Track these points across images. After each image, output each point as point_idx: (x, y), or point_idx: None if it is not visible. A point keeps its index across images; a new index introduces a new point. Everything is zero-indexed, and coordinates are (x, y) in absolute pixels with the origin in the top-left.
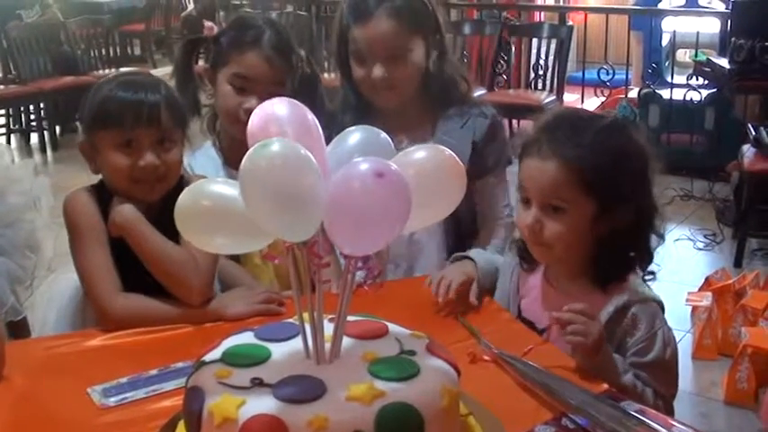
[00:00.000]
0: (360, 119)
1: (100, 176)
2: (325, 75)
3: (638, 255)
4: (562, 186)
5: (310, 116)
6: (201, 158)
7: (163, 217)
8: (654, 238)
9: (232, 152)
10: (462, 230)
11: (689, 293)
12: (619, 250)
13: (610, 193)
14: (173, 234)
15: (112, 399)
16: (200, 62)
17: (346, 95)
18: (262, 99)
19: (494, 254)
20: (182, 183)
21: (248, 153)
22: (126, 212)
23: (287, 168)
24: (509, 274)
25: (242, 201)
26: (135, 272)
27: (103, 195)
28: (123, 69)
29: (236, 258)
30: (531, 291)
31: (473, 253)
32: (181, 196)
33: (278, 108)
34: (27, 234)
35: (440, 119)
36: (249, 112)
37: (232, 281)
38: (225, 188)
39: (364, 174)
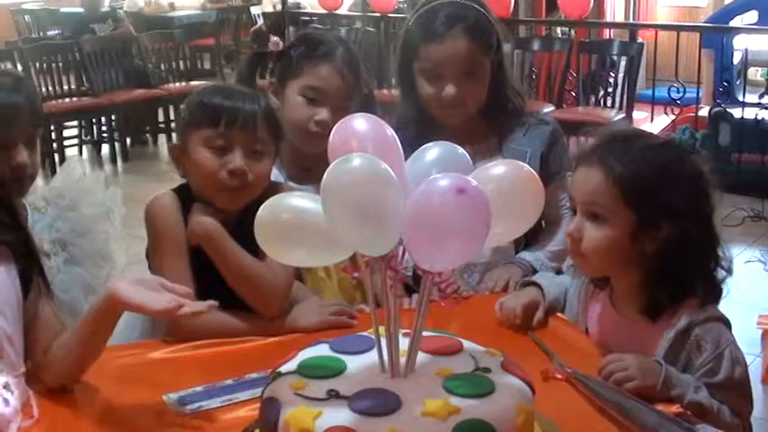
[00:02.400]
0: (423, 133)
1: (184, 181)
2: (393, 91)
3: (698, 284)
4: (603, 194)
5: (390, 131)
6: None
7: (242, 227)
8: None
9: (294, 166)
10: (529, 235)
11: (760, 316)
12: (669, 276)
13: (650, 209)
14: (251, 244)
15: (188, 406)
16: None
17: (407, 111)
18: (332, 112)
19: (552, 264)
20: (266, 194)
21: (330, 167)
22: (206, 224)
23: (368, 183)
24: (576, 294)
25: (321, 214)
26: (212, 279)
27: (187, 199)
28: (194, 83)
29: (298, 271)
30: (595, 312)
31: (540, 279)
32: (261, 209)
33: (358, 123)
34: (100, 244)
35: (502, 130)
36: (320, 123)
37: (293, 296)
38: (304, 201)
39: (445, 189)
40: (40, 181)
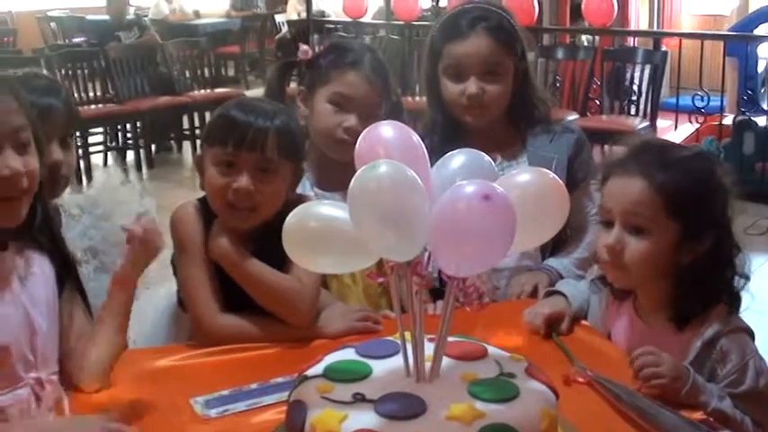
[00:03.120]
0: (449, 139)
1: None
2: (417, 98)
3: (722, 293)
4: (647, 206)
5: (416, 138)
6: None
7: (265, 241)
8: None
9: (322, 173)
10: (556, 242)
11: None
12: (699, 285)
13: (693, 219)
14: (276, 258)
15: (214, 410)
16: (292, 85)
17: (434, 117)
18: (360, 119)
19: (578, 272)
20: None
21: (357, 174)
22: (222, 246)
23: (394, 189)
24: (597, 305)
25: (348, 222)
26: (238, 288)
27: (210, 210)
28: (218, 90)
29: (323, 277)
30: (620, 323)
31: (565, 288)
32: (288, 218)
33: (385, 130)
34: None
35: (528, 136)
36: (348, 130)
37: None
38: (331, 209)
39: (471, 196)
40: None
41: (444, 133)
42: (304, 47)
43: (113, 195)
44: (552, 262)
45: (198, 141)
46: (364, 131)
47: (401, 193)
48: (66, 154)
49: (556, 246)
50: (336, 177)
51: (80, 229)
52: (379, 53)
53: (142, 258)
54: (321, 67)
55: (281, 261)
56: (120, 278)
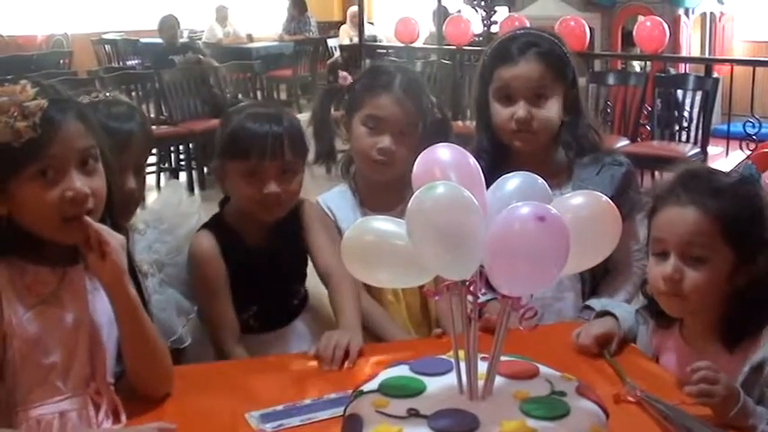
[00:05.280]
0: (495, 165)
1: (216, 211)
2: (468, 123)
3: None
4: (704, 234)
5: (472, 161)
6: (338, 198)
7: (276, 233)
8: None
9: (367, 194)
10: (597, 276)
11: None
12: (753, 306)
13: (747, 242)
14: (282, 248)
15: (269, 425)
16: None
17: (482, 142)
18: (394, 139)
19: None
20: (297, 207)
21: (415, 195)
22: None
23: (451, 210)
24: (644, 334)
25: (404, 237)
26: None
27: (222, 232)
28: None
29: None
30: (667, 350)
31: (615, 309)
32: (347, 232)
33: (442, 153)
34: None
35: (575, 167)
36: (382, 151)
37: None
38: (388, 225)
39: (525, 217)
40: None
41: (492, 159)
42: (342, 73)
43: (177, 209)
44: (594, 303)
45: None
46: (421, 154)
47: (457, 213)
48: (138, 181)
49: (596, 282)
50: (380, 199)
51: (145, 244)
52: (413, 73)
53: None
54: (356, 92)
55: (291, 250)
56: None
